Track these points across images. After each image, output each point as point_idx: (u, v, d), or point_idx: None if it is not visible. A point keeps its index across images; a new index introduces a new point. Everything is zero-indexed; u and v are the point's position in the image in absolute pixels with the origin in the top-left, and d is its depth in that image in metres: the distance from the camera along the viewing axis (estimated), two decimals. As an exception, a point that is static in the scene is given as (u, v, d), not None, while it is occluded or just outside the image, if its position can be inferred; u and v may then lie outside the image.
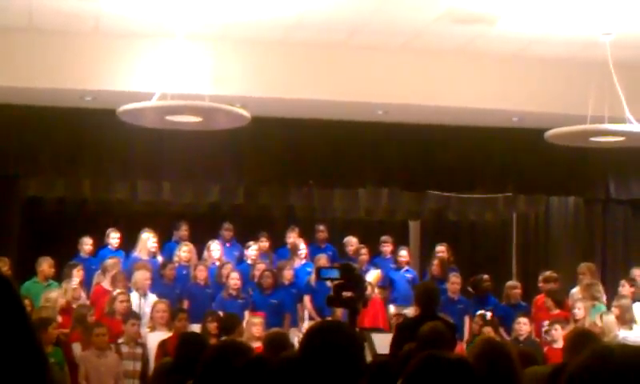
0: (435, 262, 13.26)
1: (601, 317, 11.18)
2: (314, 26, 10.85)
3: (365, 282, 8.60)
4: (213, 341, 8.49)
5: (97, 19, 10.69)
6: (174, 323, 11.00)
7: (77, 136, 12.30)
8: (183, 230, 13.64)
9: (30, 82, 11.07)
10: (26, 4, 10.15)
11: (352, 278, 7.57)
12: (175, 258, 13.00)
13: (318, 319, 12.03)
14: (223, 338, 9.64)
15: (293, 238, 13.82)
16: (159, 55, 10.50)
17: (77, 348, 10.55)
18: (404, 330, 8.03)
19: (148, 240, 12.99)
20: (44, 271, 11.94)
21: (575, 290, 12.50)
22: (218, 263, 12.94)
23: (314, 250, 13.71)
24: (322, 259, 12.74)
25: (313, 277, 12.27)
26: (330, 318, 11.35)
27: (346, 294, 7.56)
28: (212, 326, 10.87)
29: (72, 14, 10.47)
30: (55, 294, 11.31)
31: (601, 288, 12.10)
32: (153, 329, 11.18)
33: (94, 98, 11.55)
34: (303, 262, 13.47)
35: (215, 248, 13.19)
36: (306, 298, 12.69)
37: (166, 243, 13.55)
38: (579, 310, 11.53)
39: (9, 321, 1.32)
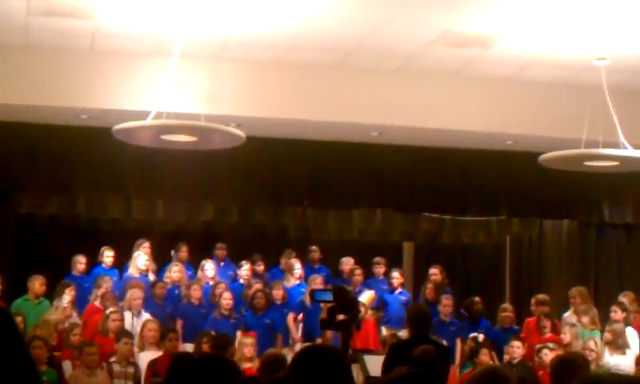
0: (429, 285, 13.23)
1: (595, 342, 11.16)
2: (309, 48, 10.87)
3: (359, 304, 8.58)
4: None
5: (92, 38, 10.70)
6: (165, 343, 10.95)
7: (71, 154, 12.28)
8: (183, 252, 13.58)
9: (26, 100, 11.06)
10: (21, 22, 10.16)
11: (346, 301, 7.55)
12: (166, 278, 12.95)
13: (298, 335, 12.12)
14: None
15: (290, 259, 13.79)
16: (155, 74, 10.48)
17: (67, 366, 10.51)
18: (396, 352, 8.02)
19: (139, 258, 12.94)
20: (35, 289, 11.90)
21: (567, 314, 12.48)
22: (211, 283, 12.91)
23: (307, 271, 13.68)
24: (317, 280, 12.71)
25: (306, 297, 12.26)
26: (319, 340, 11.33)
27: (340, 316, 7.55)
28: (205, 347, 10.83)
29: (68, 33, 10.48)
30: (54, 317, 11.24)
31: (596, 312, 12.09)
32: (142, 348, 11.12)
33: (90, 117, 11.54)
34: (297, 282, 13.43)
35: (209, 268, 13.16)
36: (291, 316, 12.63)
37: (166, 265, 13.46)
38: (565, 335, 11.54)
39: (8, 351, 1.32)
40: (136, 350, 11.09)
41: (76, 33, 10.51)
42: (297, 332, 12.62)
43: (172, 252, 13.75)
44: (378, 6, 9.45)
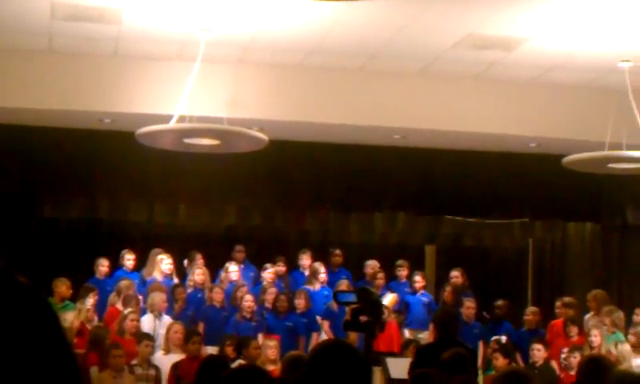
0: (448, 288, 13.16)
1: (616, 345, 11.10)
2: (332, 51, 10.88)
3: (382, 306, 8.58)
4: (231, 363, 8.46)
5: (116, 42, 10.74)
6: (188, 346, 10.96)
7: (94, 158, 12.34)
8: (199, 259, 13.42)
9: (49, 104, 11.12)
10: (45, 26, 10.21)
11: (369, 303, 7.55)
12: (189, 282, 12.93)
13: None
14: (239, 362, 9.63)
15: (305, 260, 13.75)
16: (178, 78, 10.54)
17: (94, 372, 10.52)
18: (423, 355, 8.01)
19: (162, 262, 12.95)
20: (61, 292, 11.91)
21: (587, 317, 12.40)
22: (234, 285, 12.90)
23: (328, 274, 13.64)
24: (343, 285, 12.62)
25: (333, 303, 12.21)
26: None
27: (363, 318, 7.55)
28: (229, 350, 10.84)
29: (91, 37, 10.53)
30: (71, 315, 11.29)
31: (622, 315, 12.00)
32: (167, 351, 11.12)
33: (113, 121, 11.59)
34: (322, 285, 13.38)
35: (233, 270, 13.14)
36: (325, 324, 12.61)
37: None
38: (595, 337, 11.45)
39: (53, 346, 1.31)
40: (161, 352, 11.11)
41: (100, 37, 10.55)
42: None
43: (185, 261, 13.59)
44: (400, 8, 9.44)
